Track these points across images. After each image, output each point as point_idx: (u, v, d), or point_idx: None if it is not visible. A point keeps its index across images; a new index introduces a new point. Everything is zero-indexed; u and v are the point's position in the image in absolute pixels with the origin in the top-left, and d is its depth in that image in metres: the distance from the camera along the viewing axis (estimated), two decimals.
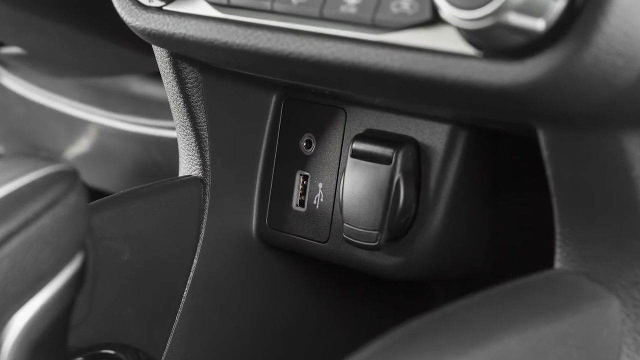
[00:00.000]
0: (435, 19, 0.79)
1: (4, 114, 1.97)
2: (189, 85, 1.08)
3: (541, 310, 0.79)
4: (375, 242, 1.02)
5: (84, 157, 1.87)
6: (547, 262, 0.88)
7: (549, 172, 0.83)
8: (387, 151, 1.02)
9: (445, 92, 0.81)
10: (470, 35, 0.77)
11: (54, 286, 0.80)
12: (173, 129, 1.38)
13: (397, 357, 0.73)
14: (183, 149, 1.13)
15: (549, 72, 0.74)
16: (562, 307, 0.80)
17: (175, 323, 1.10)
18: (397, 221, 1.02)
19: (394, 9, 0.82)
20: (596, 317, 0.82)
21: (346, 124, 1.08)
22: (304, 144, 1.11)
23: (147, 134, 1.75)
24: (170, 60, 1.07)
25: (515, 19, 0.73)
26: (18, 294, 0.78)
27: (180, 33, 0.97)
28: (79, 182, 0.82)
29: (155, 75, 1.71)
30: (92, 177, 1.83)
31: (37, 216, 0.79)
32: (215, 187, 1.11)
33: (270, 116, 1.13)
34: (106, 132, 1.82)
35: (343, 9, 0.85)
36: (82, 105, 1.85)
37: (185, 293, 1.10)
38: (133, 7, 1.00)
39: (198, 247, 1.11)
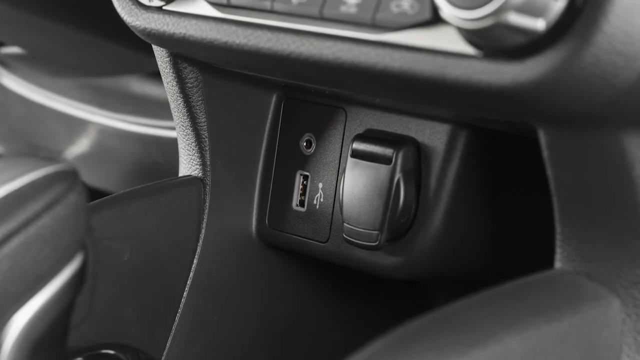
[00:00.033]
0: (435, 19, 0.79)
1: (4, 114, 1.97)
2: (189, 85, 1.08)
3: (542, 310, 0.79)
4: (375, 242, 1.02)
5: (84, 157, 1.87)
6: (548, 262, 0.88)
7: (549, 172, 0.83)
8: (387, 151, 1.02)
9: (445, 92, 0.81)
10: (470, 35, 0.77)
11: (54, 286, 0.80)
12: (173, 129, 1.38)
13: (397, 357, 0.73)
14: (183, 148, 1.13)
15: (550, 72, 0.74)
16: (563, 307, 0.80)
17: (175, 323, 1.10)
18: (397, 221, 1.02)
19: (394, 9, 0.82)
20: (597, 317, 0.82)
21: (346, 124, 1.08)
22: (304, 143, 1.11)
23: (147, 134, 1.75)
24: (170, 60, 1.07)
25: (516, 18, 0.73)
26: (18, 294, 0.78)
27: (180, 33, 0.97)
28: (79, 182, 0.82)
29: (155, 75, 1.71)
30: (92, 177, 1.83)
31: (37, 216, 0.78)
32: (215, 187, 1.11)
33: (270, 116, 1.13)
34: (106, 132, 1.81)
35: (343, 8, 0.85)
36: (82, 105, 1.85)
37: (185, 293, 1.10)
38: (133, 6, 1.00)
39: (198, 247, 1.11)
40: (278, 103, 1.13)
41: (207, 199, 1.11)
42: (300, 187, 1.11)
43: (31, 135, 1.95)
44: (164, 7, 0.98)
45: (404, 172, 1.01)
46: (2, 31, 1.78)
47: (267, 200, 1.13)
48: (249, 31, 0.92)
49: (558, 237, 0.86)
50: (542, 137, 0.82)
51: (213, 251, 1.12)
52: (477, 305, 0.79)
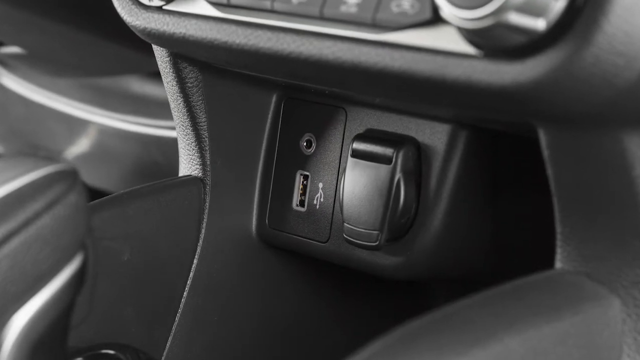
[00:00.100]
0: (435, 19, 0.79)
1: (4, 113, 1.97)
2: (189, 85, 1.08)
3: (542, 310, 0.79)
4: (375, 242, 1.02)
5: (84, 157, 1.87)
6: (548, 262, 0.88)
7: (549, 171, 0.83)
8: (388, 151, 1.01)
9: (445, 92, 0.81)
10: (470, 35, 0.77)
11: (53, 286, 0.80)
12: (173, 128, 1.38)
13: (397, 357, 0.73)
14: (183, 148, 1.13)
15: (550, 71, 0.73)
16: (563, 307, 0.80)
17: (175, 323, 1.10)
18: (398, 221, 1.02)
19: (395, 9, 0.81)
20: (597, 317, 0.82)
21: (346, 124, 1.08)
22: (304, 143, 1.11)
23: (147, 133, 1.75)
24: (170, 60, 1.07)
25: (516, 18, 0.73)
26: (18, 294, 0.78)
27: (180, 33, 0.97)
28: (79, 182, 0.82)
29: (155, 75, 1.71)
30: (92, 177, 1.83)
31: (37, 216, 0.78)
32: (215, 187, 1.11)
33: (270, 116, 1.13)
34: (106, 132, 1.81)
35: (343, 8, 0.85)
36: (82, 105, 1.85)
37: (185, 293, 1.10)
38: (133, 6, 1.00)
39: (198, 247, 1.11)
40: (278, 103, 1.13)
41: (207, 199, 1.11)
42: (301, 187, 1.11)
43: (31, 135, 1.95)
44: (164, 7, 0.98)
45: (404, 172, 1.01)
46: (2, 31, 1.78)
47: (267, 200, 1.13)
48: (249, 31, 0.92)
49: (558, 237, 0.86)
50: (543, 137, 0.82)
51: (213, 251, 1.11)
52: (477, 305, 0.79)
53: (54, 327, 0.81)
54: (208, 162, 1.10)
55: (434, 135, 1.02)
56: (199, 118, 1.09)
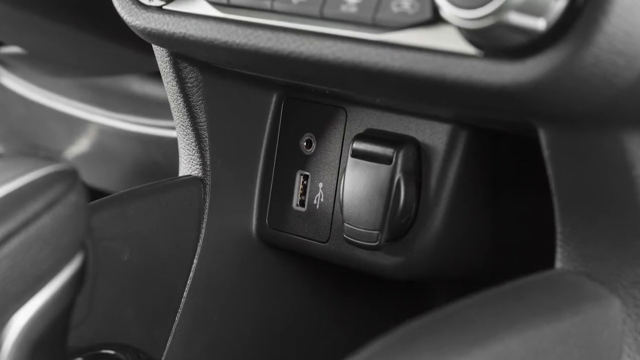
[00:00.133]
0: (435, 19, 0.79)
1: (4, 113, 1.97)
2: (189, 85, 1.08)
3: (542, 310, 0.79)
4: (375, 242, 1.02)
5: (84, 157, 1.87)
6: (548, 262, 0.88)
7: (549, 171, 0.83)
8: (388, 151, 1.01)
9: (445, 92, 0.81)
10: (470, 35, 0.77)
11: (53, 286, 0.80)
12: (173, 128, 1.38)
13: (397, 357, 0.73)
14: (183, 148, 1.13)
15: (550, 71, 0.73)
16: (563, 307, 0.80)
17: (175, 323, 1.10)
18: (398, 221, 1.02)
19: (395, 9, 0.81)
20: (597, 317, 0.82)
21: (346, 124, 1.08)
22: (304, 143, 1.11)
23: (147, 133, 1.75)
24: (170, 60, 1.07)
25: (516, 18, 0.73)
26: (18, 294, 0.78)
27: (181, 32, 0.97)
28: (79, 182, 0.82)
29: (155, 75, 1.71)
30: (92, 177, 1.83)
31: (36, 216, 0.78)
32: (215, 187, 1.11)
33: (270, 116, 1.13)
34: (106, 132, 1.81)
35: (343, 8, 0.85)
36: (82, 105, 1.85)
37: (185, 293, 1.10)
38: (133, 6, 1.00)
39: (198, 247, 1.11)
40: (278, 103, 1.13)
41: (207, 199, 1.11)
42: (301, 187, 1.11)
43: (31, 135, 1.95)
44: (164, 7, 0.98)
45: (405, 172, 1.01)
46: (2, 31, 1.78)
47: (267, 200, 1.13)
48: (249, 31, 0.92)
49: (558, 237, 0.86)
50: (543, 137, 0.82)
51: (213, 251, 1.11)
52: (477, 305, 0.79)
53: (54, 327, 0.81)
54: (208, 162, 1.10)
55: (434, 135, 1.02)
56: (199, 118, 1.09)
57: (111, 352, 0.97)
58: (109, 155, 1.83)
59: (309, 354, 1.21)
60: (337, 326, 1.23)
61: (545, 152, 0.82)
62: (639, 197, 0.80)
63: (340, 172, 1.08)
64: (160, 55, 1.08)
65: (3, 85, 1.93)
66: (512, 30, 0.73)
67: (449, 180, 1.01)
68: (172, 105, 1.11)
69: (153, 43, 1.04)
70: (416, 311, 0.85)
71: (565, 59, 0.73)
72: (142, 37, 1.02)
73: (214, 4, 0.94)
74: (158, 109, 1.75)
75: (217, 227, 1.11)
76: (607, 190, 0.81)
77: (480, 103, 0.81)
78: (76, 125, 1.85)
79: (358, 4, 0.84)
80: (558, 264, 0.86)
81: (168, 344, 1.09)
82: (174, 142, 1.18)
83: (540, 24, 0.73)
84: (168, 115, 1.62)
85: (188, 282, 1.10)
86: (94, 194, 1.12)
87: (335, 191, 1.08)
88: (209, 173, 1.11)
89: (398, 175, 1.01)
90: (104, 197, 1.05)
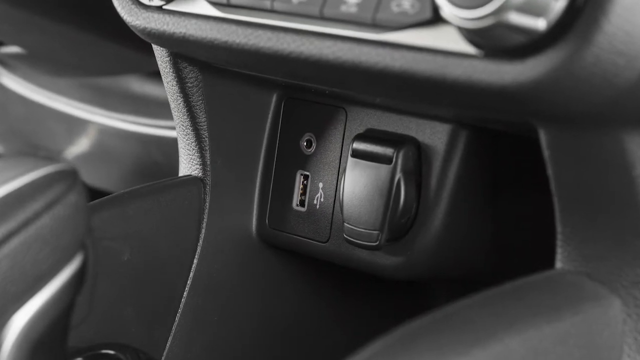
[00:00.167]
0: (436, 19, 0.79)
1: (4, 113, 1.97)
2: (189, 84, 1.08)
3: (542, 310, 0.79)
4: (375, 242, 1.02)
5: (84, 157, 1.87)
6: (548, 262, 0.88)
7: (550, 171, 0.83)
8: (388, 151, 1.01)
9: (446, 92, 0.81)
10: (471, 35, 0.77)
11: (53, 286, 0.80)
12: (173, 128, 1.38)
13: (397, 357, 0.73)
14: (183, 148, 1.13)
15: (550, 71, 0.73)
16: (564, 307, 0.80)
17: (175, 323, 1.10)
18: (398, 221, 1.02)
19: (395, 9, 0.81)
20: (597, 317, 0.82)
21: (347, 124, 1.08)
22: (305, 143, 1.11)
23: (147, 133, 1.75)
24: (170, 60, 1.07)
25: (516, 18, 0.73)
26: (18, 294, 0.78)
27: (181, 32, 0.97)
28: (79, 182, 0.82)
29: (155, 75, 1.71)
30: (92, 177, 1.83)
31: (36, 216, 0.78)
32: (216, 187, 1.11)
33: (270, 116, 1.13)
34: (106, 132, 1.81)
35: (343, 8, 0.85)
36: (82, 105, 1.85)
37: (185, 293, 1.10)
38: (133, 6, 1.00)
39: (198, 247, 1.11)
40: (278, 103, 1.13)
41: (207, 199, 1.11)
42: (301, 187, 1.11)
43: (31, 135, 1.95)
44: (164, 7, 0.98)
45: (405, 171, 1.01)
46: (2, 31, 1.78)
47: (268, 200, 1.13)
48: (249, 31, 0.92)
49: (559, 237, 0.86)
50: (543, 137, 0.82)
51: (213, 251, 1.11)
52: (477, 305, 0.79)
53: (54, 327, 0.81)
54: (208, 162, 1.10)
55: (434, 135, 1.01)
56: (199, 118, 1.09)
57: (111, 352, 0.97)
58: (109, 155, 1.83)
59: (309, 354, 1.21)
60: (337, 326, 1.23)
61: (546, 152, 0.82)
62: (638, 197, 0.80)
63: (340, 172, 1.07)
64: (160, 55, 1.08)
65: (3, 85, 1.93)
66: (512, 30, 0.73)
67: (449, 180, 1.01)
68: (172, 105, 1.11)
69: (153, 43, 1.04)
70: (416, 311, 0.85)
71: (565, 58, 0.73)
72: (142, 37, 1.02)
73: (214, 4, 0.94)
74: (158, 109, 1.75)
75: (217, 227, 1.11)
76: (607, 190, 0.81)
77: (481, 103, 0.81)
78: (76, 125, 1.85)
79: (358, 4, 0.84)
80: (558, 264, 0.86)
81: (168, 344, 1.09)
82: (174, 142, 1.18)
83: (540, 24, 0.73)
84: (168, 115, 1.63)
85: (188, 282, 1.10)
86: (94, 194, 1.12)
87: (336, 191, 1.08)
88: (209, 173, 1.11)
89: (398, 175, 1.01)
90: (104, 197, 1.05)
